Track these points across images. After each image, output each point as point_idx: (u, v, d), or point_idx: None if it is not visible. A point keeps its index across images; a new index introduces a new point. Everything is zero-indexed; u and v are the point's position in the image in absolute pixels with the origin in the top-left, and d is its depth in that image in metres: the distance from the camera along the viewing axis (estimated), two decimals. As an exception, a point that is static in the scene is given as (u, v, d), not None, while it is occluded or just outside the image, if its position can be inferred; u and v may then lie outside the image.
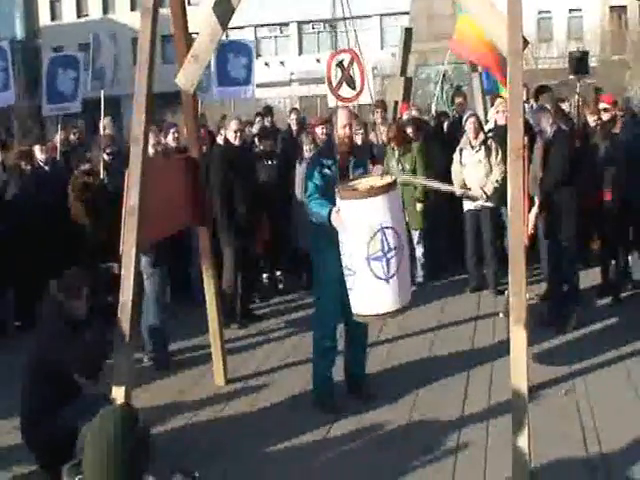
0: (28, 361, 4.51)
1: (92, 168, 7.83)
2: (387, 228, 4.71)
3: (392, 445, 4.92)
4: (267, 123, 10.56)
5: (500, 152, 7.70)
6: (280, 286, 8.90)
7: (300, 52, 40.96)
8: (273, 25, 40.86)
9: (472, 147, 7.98)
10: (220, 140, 8.97)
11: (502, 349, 6.22)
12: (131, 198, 4.65)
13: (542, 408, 5.17)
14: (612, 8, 34.82)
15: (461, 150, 8.09)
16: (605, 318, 7.09)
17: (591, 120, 8.00)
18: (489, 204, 7.90)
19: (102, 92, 8.75)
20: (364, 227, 4.74)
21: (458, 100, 10.12)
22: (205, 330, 6.23)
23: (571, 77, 10.94)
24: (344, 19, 5.44)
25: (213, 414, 5.57)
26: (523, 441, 4.05)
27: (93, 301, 4.67)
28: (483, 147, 7.94)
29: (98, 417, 2.10)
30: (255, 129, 9.99)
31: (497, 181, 7.73)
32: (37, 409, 4.37)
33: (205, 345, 6.51)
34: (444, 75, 12.55)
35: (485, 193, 7.85)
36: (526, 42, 4.24)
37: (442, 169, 9.09)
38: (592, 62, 25.97)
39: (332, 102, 8.74)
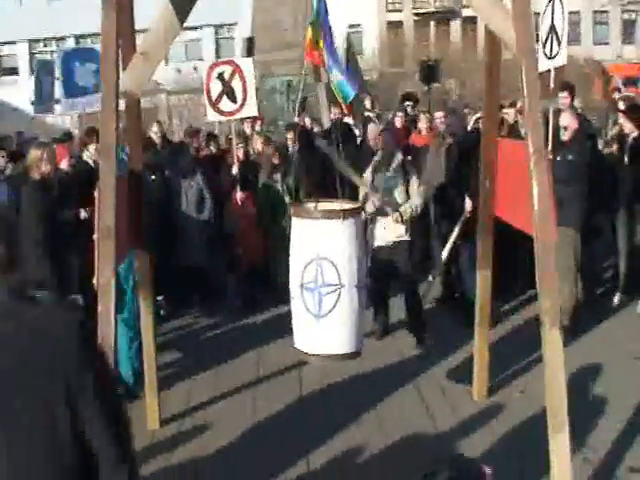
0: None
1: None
2: (324, 259, 4.22)
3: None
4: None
5: (414, 174, 6.71)
6: (162, 312, 8.13)
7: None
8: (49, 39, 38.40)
9: (387, 170, 6.64)
10: (86, 157, 8.15)
11: (437, 356, 6.32)
12: (106, 218, 3.96)
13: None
14: (389, 23, 36.87)
15: (374, 172, 6.73)
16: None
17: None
18: (405, 237, 6.64)
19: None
20: (302, 250, 4.36)
21: (336, 110, 9.97)
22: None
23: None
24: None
25: (156, 466, 4.75)
26: (563, 441, 3.94)
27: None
28: (400, 172, 6.62)
29: None
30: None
31: (415, 207, 6.54)
32: None
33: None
34: (289, 85, 12.46)
35: (401, 215, 6.49)
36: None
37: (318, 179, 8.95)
38: (372, 75, 27.26)
39: (212, 116, 8.17)
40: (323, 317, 4.22)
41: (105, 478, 1.92)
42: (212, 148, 9.86)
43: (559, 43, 6.56)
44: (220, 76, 8.00)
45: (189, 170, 8.08)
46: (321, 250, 4.24)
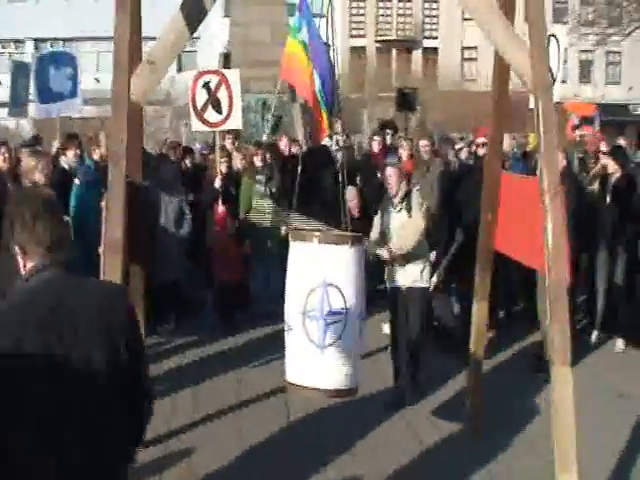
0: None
1: None
2: (330, 286, 4.07)
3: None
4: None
5: (423, 206, 5.97)
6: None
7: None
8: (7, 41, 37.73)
9: (394, 206, 6.00)
10: (64, 162, 7.98)
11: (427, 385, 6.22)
12: (114, 230, 3.85)
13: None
14: (352, 49, 37.16)
15: (383, 212, 6.12)
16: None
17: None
18: (420, 284, 5.98)
19: None
20: (306, 277, 4.21)
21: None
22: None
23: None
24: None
25: (149, 495, 4.60)
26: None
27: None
28: (405, 206, 5.93)
29: None
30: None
31: (404, 248, 5.83)
32: None
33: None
34: (264, 103, 12.41)
35: (389, 251, 5.86)
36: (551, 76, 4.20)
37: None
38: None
39: (196, 126, 8.05)
40: (327, 348, 4.07)
41: (139, 404, 2.52)
42: (187, 162, 9.73)
43: (553, 81, 6.70)
44: (206, 85, 7.91)
45: (170, 184, 7.95)
46: (328, 276, 4.10)
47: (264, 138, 11.55)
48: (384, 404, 5.85)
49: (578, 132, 17.30)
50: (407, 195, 5.97)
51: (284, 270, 8.29)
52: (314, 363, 4.14)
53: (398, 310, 6.04)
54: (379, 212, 6.19)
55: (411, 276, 5.96)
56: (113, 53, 4.10)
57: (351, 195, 8.07)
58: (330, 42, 7.49)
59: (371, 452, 5.13)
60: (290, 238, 4.47)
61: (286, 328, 4.37)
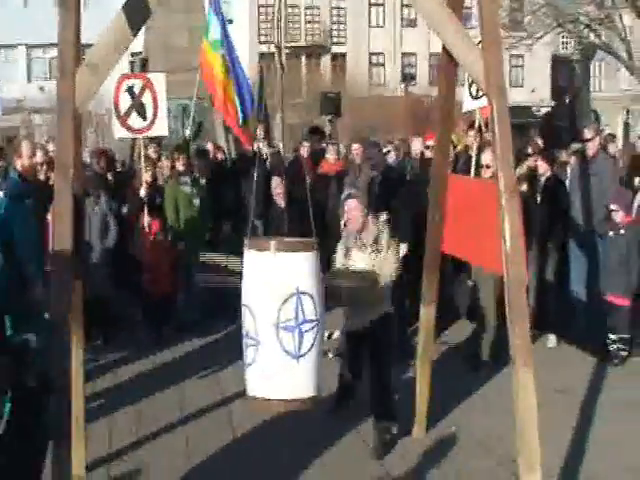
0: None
1: None
2: (303, 294, 3.96)
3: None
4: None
5: (393, 244, 5.24)
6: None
7: None
8: None
9: (363, 245, 5.23)
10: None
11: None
12: (62, 244, 3.58)
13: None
14: (262, 55, 36.98)
15: (348, 250, 5.33)
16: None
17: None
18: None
19: None
20: (277, 287, 3.98)
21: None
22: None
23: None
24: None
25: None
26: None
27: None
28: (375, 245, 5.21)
29: None
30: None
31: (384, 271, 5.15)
32: None
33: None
34: (184, 109, 12.12)
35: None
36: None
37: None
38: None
39: (119, 132, 7.75)
40: (303, 356, 3.93)
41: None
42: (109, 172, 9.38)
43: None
44: (130, 90, 7.64)
45: (94, 194, 7.61)
46: (301, 284, 3.95)
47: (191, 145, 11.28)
48: (331, 409, 5.68)
49: (487, 135, 17.69)
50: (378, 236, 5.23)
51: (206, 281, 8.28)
52: (289, 374, 3.96)
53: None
54: (339, 251, 5.47)
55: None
56: (58, 59, 3.85)
57: (275, 184, 7.94)
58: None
59: (320, 461, 5.03)
60: (246, 247, 4.23)
61: (250, 342, 4.07)
